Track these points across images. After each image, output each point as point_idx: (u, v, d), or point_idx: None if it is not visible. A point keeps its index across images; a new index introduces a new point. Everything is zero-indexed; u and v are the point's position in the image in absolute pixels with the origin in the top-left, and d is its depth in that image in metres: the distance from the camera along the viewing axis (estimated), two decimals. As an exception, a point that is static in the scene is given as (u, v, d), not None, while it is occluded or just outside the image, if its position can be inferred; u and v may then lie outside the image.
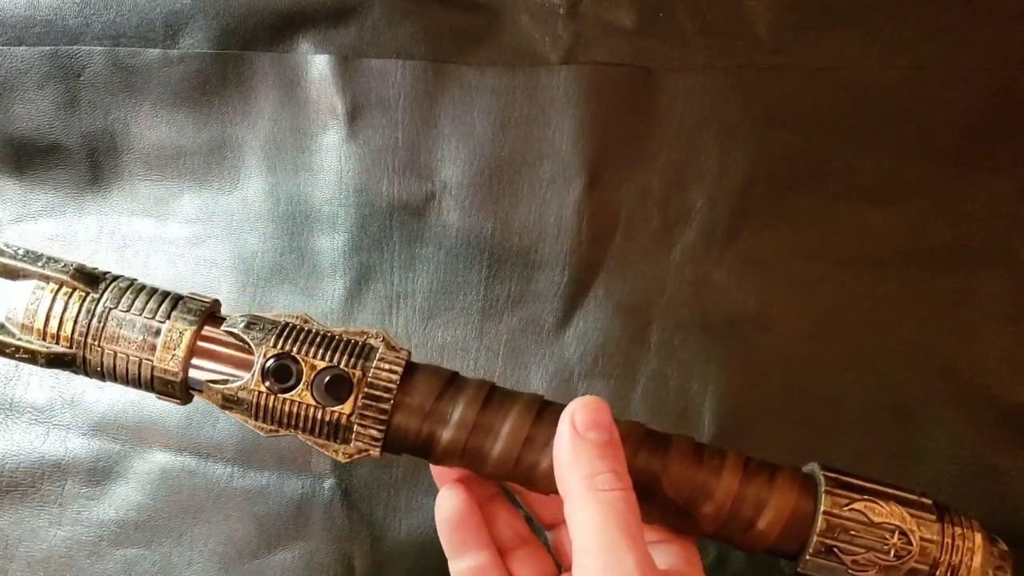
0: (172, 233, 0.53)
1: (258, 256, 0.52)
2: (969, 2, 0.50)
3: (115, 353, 0.35)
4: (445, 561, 0.48)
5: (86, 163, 0.54)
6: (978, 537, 0.35)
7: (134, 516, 0.50)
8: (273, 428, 0.35)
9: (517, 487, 0.39)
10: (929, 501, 0.35)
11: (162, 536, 0.49)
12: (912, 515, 0.34)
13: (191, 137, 0.53)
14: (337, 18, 0.51)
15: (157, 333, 0.35)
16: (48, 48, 0.53)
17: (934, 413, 0.48)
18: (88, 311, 0.35)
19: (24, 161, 0.54)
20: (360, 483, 0.49)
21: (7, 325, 0.36)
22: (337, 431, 0.35)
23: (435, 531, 0.49)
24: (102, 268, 0.38)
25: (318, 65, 0.52)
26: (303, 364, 0.34)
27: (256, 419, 0.35)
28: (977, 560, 0.34)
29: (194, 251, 0.53)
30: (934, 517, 0.35)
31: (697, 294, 0.50)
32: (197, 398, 0.37)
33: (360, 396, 0.34)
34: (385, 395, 0.34)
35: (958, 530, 0.35)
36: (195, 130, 0.53)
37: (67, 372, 0.37)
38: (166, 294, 0.36)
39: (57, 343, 0.35)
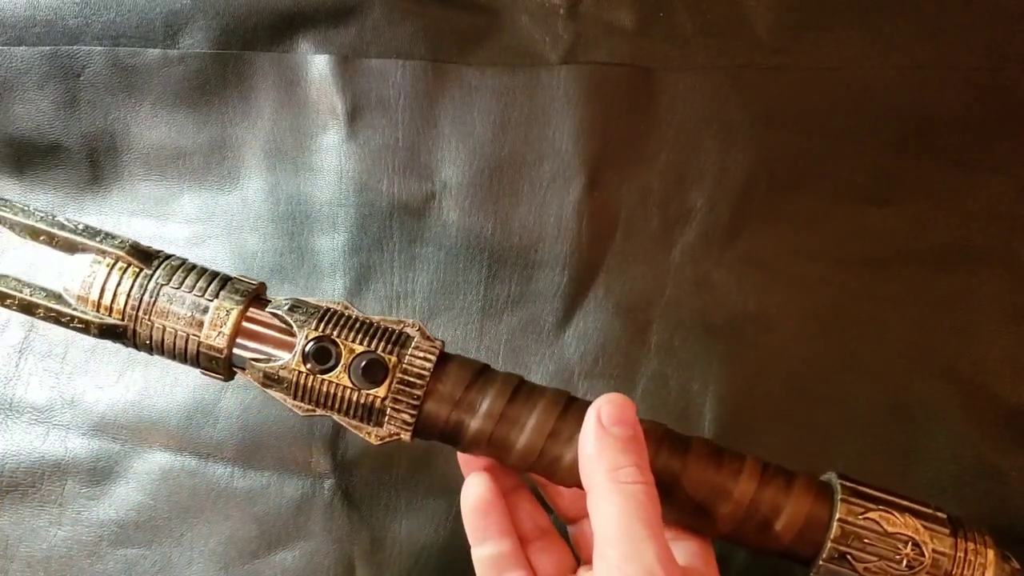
0: (172, 233, 0.53)
1: (258, 256, 0.52)
2: (969, 2, 0.50)
3: (164, 327, 0.37)
4: (445, 561, 0.48)
5: (86, 163, 0.54)
6: (991, 553, 0.35)
7: (134, 516, 0.50)
8: (311, 408, 0.36)
9: (540, 480, 0.40)
10: (944, 515, 0.36)
11: (162, 536, 0.49)
12: (926, 527, 0.35)
13: (191, 137, 0.53)
14: (337, 18, 0.51)
15: (205, 311, 0.36)
16: (48, 48, 0.53)
17: (934, 413, 0.48)
18: (141, 286, 0.37)
19: (24, 161, 0.54)
20: (360, 483, 0.49)
21: (64, 296, 0.37)
22: (371, 414, 0.36)
23: (435, 532, 0.49)
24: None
25: (318, 65, 0.52)
26: (342, 347, 0.36)
27: (295, 398, 0.36)
28: (989, 575, 0.34)
29: (194, 251, 0.53)
30: (947, 531, 0.35)
31: (697, 294, 0.50)
32: (239, 376, 0.38)
33: (395, 381, 0.35)
34: (418, 381, 0.36)
35: (971, 545, 0.35)
36: (195, 130, 0.53)
37: (118, 343, 0.38)
38: (215, 274, 0.38)
39: (110, 315, 0.37)
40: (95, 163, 0.54)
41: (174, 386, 0.51)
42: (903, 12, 0.50)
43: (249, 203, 0.53)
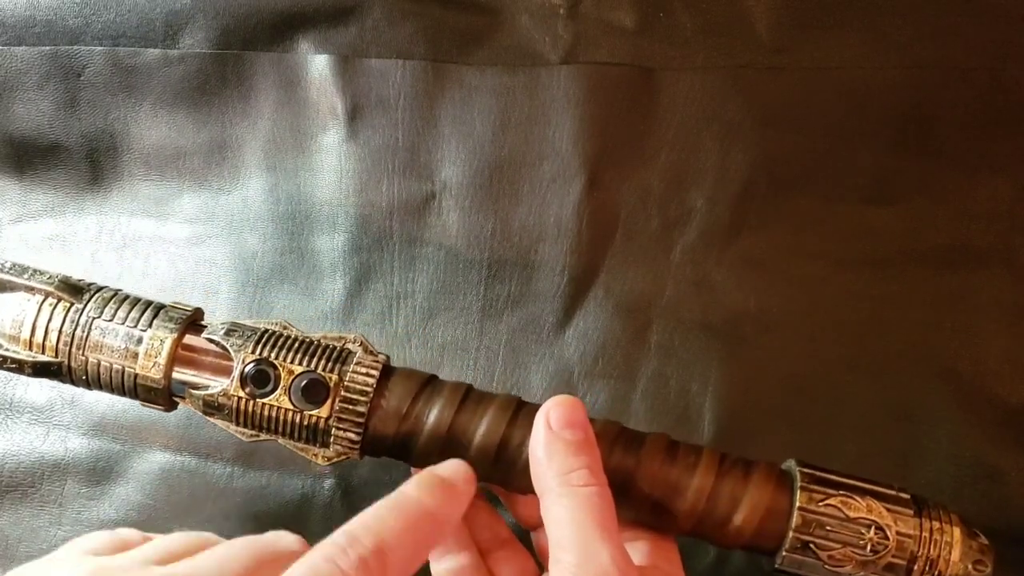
0: (172, 233, 0.53)
1: (258, 256, 0.52)
2: (969, 2, 0.50)
3: (99, 362, 0.36)
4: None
5: (86, 163, 0.54)
6: (956, 531, 0.34)
7: (134, 516, 0.50)
8: (254, 433, 0.36)
9: (499, 488, 0.39)
10: (907, 496, 0.35)
11: (162, 536, 0.49)
12: (889, 510, 0.34)
13: (191, 137, 0.53)
14: (337, 18, 0.51)
15: (139, 341, 0.36)
16: (48, 48, 0.53)
17: (934, 413, 0.48)
18: (72, 321, 0.36)
19: (24, 161, 0.54)
20: (360, 483, 0.49)
21: None
22: (316, 435, 0.35)
23: (435, 531, 0.48)
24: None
25: (318, 65, 0.52)
26: (281, 369, 0.35)
27: (237, 424, 0.36)
28: (956, 554, 0.34)
29: (194, 251, 0.53)
30: (911, 512, 0.35)
31: (697, 294, 0.50)
32: (181, 405, 0.37)
33: (337, 400, 0.35)
34: (361, 399, 0.35)
35: (936, 524, 0.34)
36: (195, 130, 0.53)
37: (54, 381, 0.37)
38: (148, 303, 0.37)
39: (43, 353, 0.36)
40: (95, 163, 0.54)
41: (174, 386, 0.51)
42: (903, 12, 0.50)
43: (249, 203, 0.53)
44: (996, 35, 0.50)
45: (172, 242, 0.53)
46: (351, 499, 0.49)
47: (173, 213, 0.53)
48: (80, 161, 0.54)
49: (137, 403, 0.51)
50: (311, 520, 0.49)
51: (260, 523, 0.49)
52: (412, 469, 0.39)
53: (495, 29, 0.51)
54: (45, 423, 0.51)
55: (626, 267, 0.50)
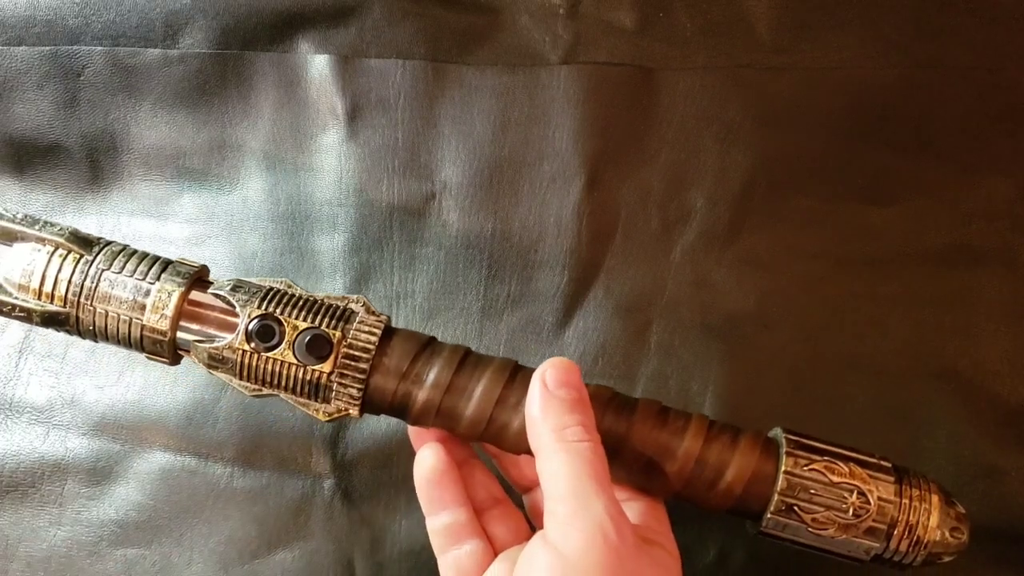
0: (172, 233, 0.53)
1: (258, 256, 0.52)
2: (969, 2, 0.50)
3: (106, 312, 0.37)
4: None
5: (86, 163, 0.54)
6: (935, 498, 0.36)
7: (134, 516, 0.50)
8: (257, 387, 0.36)
9: (494, 451, 0.40)
10: (888, 464, 0.36)
11: (162, 536, 0.49)
12: (871, 476, 0.36)
13: (191, 137, 0.53)
14: (337, 18, 0.51)
15: (147, 294, 0.36)
16: (48, 48, 0.53)
17: (934, 413, 0.48)
18: (82, 272, 0.37)
19: (24, 161, 0.54)
20: (360, 483, 0.49)
21: (4, 285, 0.37)
22: (318, 390, 0.36)
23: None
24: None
25: (318, 65, 0.52)
26: (286, 325, 0.36)
27: (241, 378, 0.36)
28: (934, 520, 0.35)
29: (194, 251, 0.53)
30: (892, 478, 0.36)
31: (697, 294, 0.50)
32: (185, 358, 0.38)
33: (340, 356, 0.36)
34: (363, 355, 0.36)
35: (915, 491, 0.36)
36: (195, 130, 0.53)
37: (61, 332, 0.38)
38: (156, 258, 0.38)
39: (52, 302, 0.37)
40: (95, 163, 0.54)
41: (174, 386, 0.51)
42: (903, 12, 0.50)
43: (249, 203, 0.53)
44: (996, 35, 0.50)
45: (172, 242, 0.53)
46: (351, 499, 0.49)
47: (173, 213, 0.53)
48: (80, 161, 0.54)
49: (137, 403, 0.51)
50: (311, 520, 0.49)
51: (260, 523, 0.49)
52: (410, 430, 0.40)
53: (495, 29, 0.51)
54: (45, 423, 0.51)
55: (626, 267, 0.50)
